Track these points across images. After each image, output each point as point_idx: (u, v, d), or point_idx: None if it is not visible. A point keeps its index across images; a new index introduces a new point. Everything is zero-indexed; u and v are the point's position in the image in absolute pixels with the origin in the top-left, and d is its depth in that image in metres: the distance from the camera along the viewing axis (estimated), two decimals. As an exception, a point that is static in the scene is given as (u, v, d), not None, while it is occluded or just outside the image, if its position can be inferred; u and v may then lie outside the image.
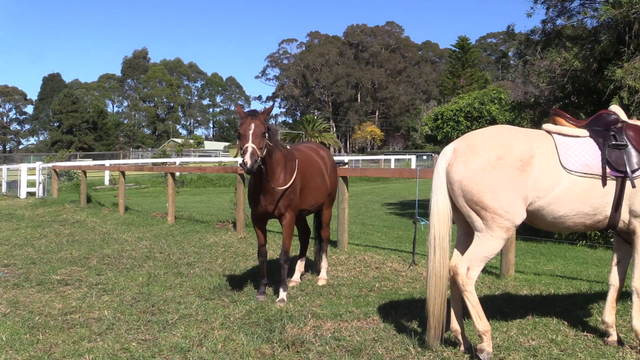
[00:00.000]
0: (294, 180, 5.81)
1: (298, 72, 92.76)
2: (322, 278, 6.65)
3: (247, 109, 5.60)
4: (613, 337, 4.41)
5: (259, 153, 5.24)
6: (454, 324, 4.26)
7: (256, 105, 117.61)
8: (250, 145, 5.18)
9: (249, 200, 5.97)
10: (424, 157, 44.67)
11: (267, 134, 5.40)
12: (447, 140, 27.56)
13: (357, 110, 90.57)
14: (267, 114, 5.63)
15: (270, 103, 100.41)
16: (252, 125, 5.29)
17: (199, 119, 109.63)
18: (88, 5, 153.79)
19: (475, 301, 4.08)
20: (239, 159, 5.38)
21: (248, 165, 5.10)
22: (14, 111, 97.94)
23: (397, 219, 13.56)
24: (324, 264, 6.80)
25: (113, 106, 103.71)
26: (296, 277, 6.71)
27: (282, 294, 5.80)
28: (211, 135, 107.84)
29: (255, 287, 6.24)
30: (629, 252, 4.40)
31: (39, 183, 22.05)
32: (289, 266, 6.03)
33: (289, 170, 5.80)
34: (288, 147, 6.20)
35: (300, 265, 6.83)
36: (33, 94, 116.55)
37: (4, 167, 26.88)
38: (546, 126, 4.43)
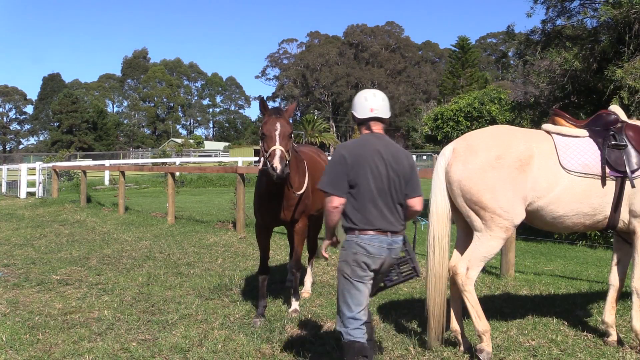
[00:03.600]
0: (307, 183, 5.36)
1: (298, 72, 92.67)
2: (306, 291, 6.20)
3: (270, 106, 4.92)
4: (613, 337, 4.41)
5: (287, 156, 4.65)
6: (454, 324, 4.27)
7: (256, 105, 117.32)
8: (278, 148, 4.58)
9: (259, 208, 5.34)
10: (424, 157, 44.61)
11: (292, 135, 4.85)
12: (447, 140, 27.55)
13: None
14: (291, 112, 5.09)
15: (273, 104, 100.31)
16: (278, 125, 4.70)
17: (199, 119, 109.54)
18: (88, 5, 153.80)
19: (474, 301, 4.08)
20: (262, 163, 4.82)
21: (278, 170, 4.47)
22: (14, 111, 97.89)
23: (397, 219, 13.55)
24: (308, 278, 6.38)
25: (113, 106, 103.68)
26: (290, 277, 6.66)
27: (295, 304, 5.41)
28: (211, 135, 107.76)
29: (255, 288, 6.23)
30: (629, 252, 4.40)
31: (39, 183, 22.04)
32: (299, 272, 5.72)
33: (301, 172, 5.32)
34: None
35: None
36: (33, 94, 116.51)
37: (4, 167, 26.88)
38: (545, 126, 4.44)
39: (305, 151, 6.07)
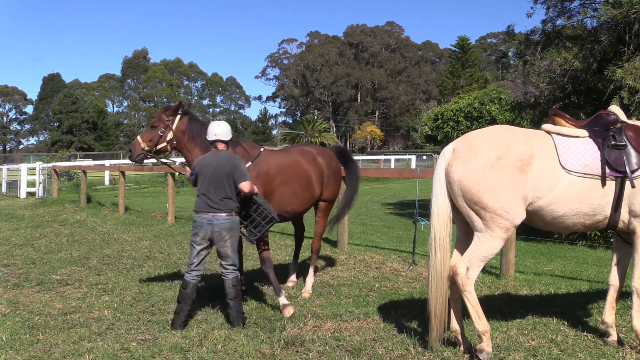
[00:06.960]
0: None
1: (298, 72, 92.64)
2: (307, 291, 6.14)
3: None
4: (613, 337, 4.41)
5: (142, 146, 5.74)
6: (454, 324, 4.27)
7: (256, 105, 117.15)
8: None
9: None
10: (424, 157, 44.60)
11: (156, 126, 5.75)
12: (447, 140, 27.54)
13: (357, 110, 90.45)
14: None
15: (273, 104, 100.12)
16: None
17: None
18: (88, 5, 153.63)
19: (474, 301, 4.08)
20: None
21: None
22: (14, 111, 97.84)
23: (397, 219, 13.56)
24: (309, 278, 6.34)
25: (113, 106, 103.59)
26: (293, 277, 6.68)
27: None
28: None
29: (255, 288, 6.22)
30: (628, 252, 4.40)
31: (39, 183, 22.04)
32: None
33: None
34: (275, 149, 5.73)
35: (296, 265, 6.79)
36: (33, 94, 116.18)
37: (4, 167, 26.87)
38: (545, 126, 4.43)
39: (288, 153, 6.10)
